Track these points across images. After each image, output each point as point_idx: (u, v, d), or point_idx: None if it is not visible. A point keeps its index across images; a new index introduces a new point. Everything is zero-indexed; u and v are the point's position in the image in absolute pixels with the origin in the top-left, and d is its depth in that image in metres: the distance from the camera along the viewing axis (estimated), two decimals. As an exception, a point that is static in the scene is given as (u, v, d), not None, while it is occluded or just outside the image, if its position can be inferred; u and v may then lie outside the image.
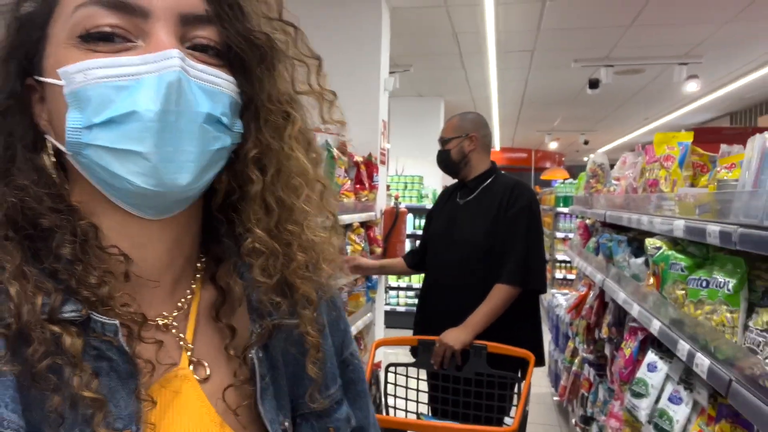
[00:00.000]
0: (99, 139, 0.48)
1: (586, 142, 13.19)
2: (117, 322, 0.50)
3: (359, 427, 0.67)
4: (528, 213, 2.36)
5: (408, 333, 2.59)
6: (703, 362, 1.31)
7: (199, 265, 0.62)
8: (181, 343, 0.57)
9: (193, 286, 0.60)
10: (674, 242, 1.68)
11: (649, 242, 1.76)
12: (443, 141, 2.52)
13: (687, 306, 1.50)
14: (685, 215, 1.50)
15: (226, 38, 0.54)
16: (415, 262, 2.67)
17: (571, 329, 3.83)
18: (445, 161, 2.54)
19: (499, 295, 2.27)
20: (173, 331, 0.57)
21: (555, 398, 4.61)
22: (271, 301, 0.57)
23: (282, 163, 0.57)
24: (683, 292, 1.53)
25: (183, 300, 0.59)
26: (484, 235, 2.35)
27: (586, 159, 18.37)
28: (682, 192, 1.50)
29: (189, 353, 0.57)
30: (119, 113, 0.47)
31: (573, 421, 3.66)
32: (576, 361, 3.68)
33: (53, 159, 0.53)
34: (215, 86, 0.52)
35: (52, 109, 0.52)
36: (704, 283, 1.41)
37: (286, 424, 0.59)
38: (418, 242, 2.81)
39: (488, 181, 2.47)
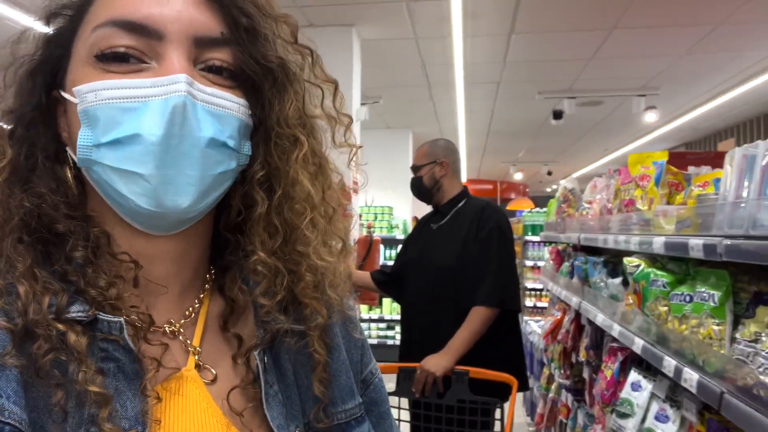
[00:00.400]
0: (105, 158, 0.50)
1: (549, 173, 13.53)
2: (122, 319, 0.51)
3: None
4: (498, 233, 2.37)
5: (383, 364, 2.54)
6: (692, 377, 1.31)
7: (208, 276, 0.63)
8: (189, 348, 0.58)
9: (202, 296, 0.61)
10: (653, 260, 1.70)
11: (628, 261, 1.78)
12: (415, 168, 2.54)
13: (671, 322, 1.50)
14: (665, 232, 1.52)
15: (240, 61, 0.55)
16: (383, 281, 2.64)
17: (546, 355, 3.82)
18: (418, 187, 2.55)
19: (477, 317, 2.25)
20: (180, 337, 0.58)
21: (531, 428, 4.57)
22: (274, 319, 0.58)
23: (288, 186, 0.58)
24: (666, 308, 1.54)
25: (191, 308, 0.59)
26: (455, 258, 2.35)
27: (549, 189, 18.83)
28: (661, 209, 1.53)
29: (196, 357, 0.58)
30: (124, 135, 0.49)
31: (552, 449, 3.62)
32: (552, 387, 3.67)
33: (73, 171, 0.55)
34: (224, 109, 0.53)
35: (71, 124, 0.54)
36: (687, 298, 1.42)
37: None
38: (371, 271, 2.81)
39: (460, 204, 2.49)
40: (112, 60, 0.51)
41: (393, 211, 7.57)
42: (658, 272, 1.60)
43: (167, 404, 0.53)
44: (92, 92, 0.50)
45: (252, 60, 0.55)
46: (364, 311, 6.58)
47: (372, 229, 4.46)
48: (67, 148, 0.55)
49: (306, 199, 0.58)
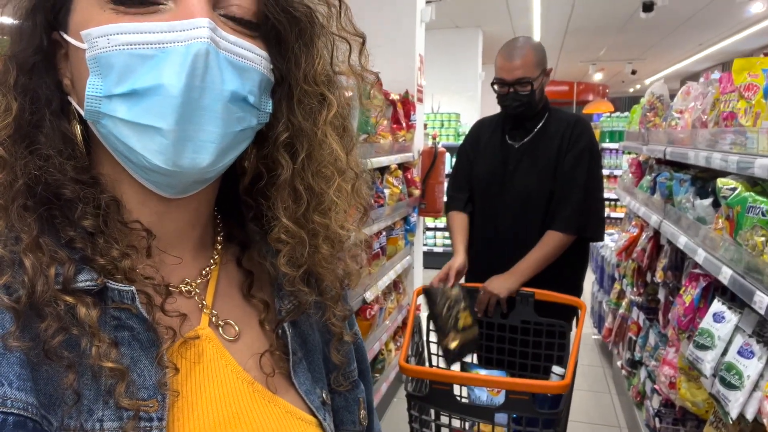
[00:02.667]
0: (118, 110, 0.45)
1: (633, 72, 12.49)
2: (133, 288, 0.48)
3: (368, 401, 0.71)
4: (589, 156, 2.18)
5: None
6: (788, 318, 1.18)
7: (218, 237, 0.60)
8: (203, 308, 0.56)
9: (216, 256, 0.59)
10: (753, 183, 1.50)
11: (722, 182, 1.59)
12: (525, 81, 2.13)
13: (767, 254, 1.34)
14: (771, 152, 1.32)
15: (264, 7, 0.50)
16: (471, 211, 2.42)
17: (618, 271, 3.69)
18: (527, 105, 2.16)
19: (552, 242, 2.13)
20: (195, 297, 0.56)
21: (596, 338, 4.54)
22: (298, 290, 0.57)
23: (314, 149, 0.54)
24: (763, 238, 1.37)
25: (207, 269, 0.57)
26: (545, 182, 2.17)
27: (632, 90, 17.45)
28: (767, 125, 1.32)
29: (212, 317, 0.55)
30: (142, 86, 0.44)
31: (619, 363, 3.59)
32: (623, 303, 3.57)
33: (80, 126, 0.51)
34: (246, 61, 0.48)
35: (75, 71, 0.49)
36: (792, 230, 1.25)
37: (324, 395, 0.61)
38: (450, 183, 2.53)
39: (544, 118, 2.24)
40: (132, 3, 0.45)
41: (460, 117, 7.28)
42: (758, 198, 1.42)
43: (184, 369, 0.51)
44: (104, 37, 0.45)
45: (277, 7, 0.50)
46: (429, 221, 6.57)
47: (437, 140, 4.31)
48: (71, 99, 0.50)
49: (334, 163, 0.55)
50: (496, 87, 2.20)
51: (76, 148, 0.50)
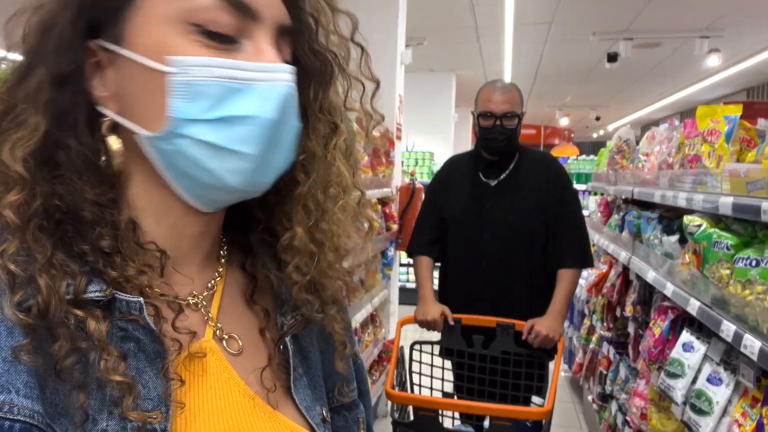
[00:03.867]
0: (203, 134, 0.48)
1: (597, 118, 13.03)
2: (141, 299, 0.49)
3: (368, 423, 0.72)
4: (571, 191, 2.32)
5: (474, 316, 2.32)
6: (753, 344, 1.27)
7: (221, 251, 0.63)
8: (209, 321, 0.57)
9: (220, 269, 0.61)
10: (717, 220, 1.62)
11: (689, 219, 1.71)
12: (513, 115, 2.22)
13: (733, 286, 1.45)
14: (733, 192, 1.45)
15: (297, 52, 0.57)
16: (438, 254, 2.45)
17: (588, 307, 3.80)
18: (511, 139, 2.24)
19: (569, 278, 2.24)
20: (201, 310, 0.57)
21: (566, 374, 4.62)
22: (304, 299, 0.60)
23: (323, 170, 0.60)
24: (728, 271, 1.48)
25: (212, 281, 0.59)
26: (526, 218, 2.26)
27: (595, 135, 18.15)
28: (730, 167, 1.44)
29: (215, 329, 0.57)
30: (234, 114, 0.48)
31: (589, 398, 3.66)
32: (593, 338, 3.66)
33: (117, 143, 0.52)
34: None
35: (133, 86, 0.50)
36: (754, 262, 1.36)
37: (324, 412, 0.62)
38: (417, 224, 2.52)
39: (516, 157, 2.33)
40: (212, 35, 0.49)
41: (434, 156, 7.47)
42: (722, 233, 1.53)
43: (189, 384, 0.52)
44: (200, 67, 0.48)
45: (309, 53, 0.57)
46: (404, 257, 6.63)
47: (415, 177, 4.42)
48: (106, 111, 0.51)
49: (340, 182, 0.60)
50: (480, 121, 2.26)
51: (99, 166, 0.50)
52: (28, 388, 0.42)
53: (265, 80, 0.50)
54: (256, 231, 0.62)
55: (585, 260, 2.29)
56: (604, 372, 3.21)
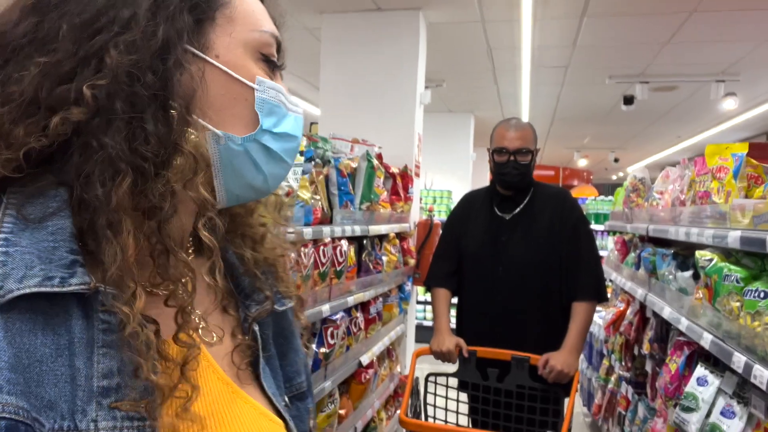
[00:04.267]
0: (269, 142, 0.59)
1: (616, 160, 13.05)
2: (131, 290, 0.49)
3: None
4: (584, 224, 2.36)
5: (494, 349, 2.34)
6: (762, 374, 1.29)
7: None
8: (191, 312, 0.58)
9: (190, 257, 0.62)
10: (727, 254, 1.66)
11: (700, 254, 1.74)
12: (527, 151, 2.30)
13: (743, 318, 1.48)
14: (741, 226, 1.49)
15: None
16: (455, 286, 2.50)
17: (606, 346, 3.77)
18: (525, 175, 2.32)
19: (584, 312, 2.26)
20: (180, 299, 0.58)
21: (587, 418, 4.53)
22: (261, 286, 0.66)
23: None
24: (738, 303, 1.51)
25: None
26: (541, 252, 2.30)
27: (614, 177, 18.13)
28: (738, 203, 1.49)
29: (194, 316, 0.59)
30: (287, 132, 0.60)
31: (608, 440, 3.59)
32: (612, 378, 3.62)
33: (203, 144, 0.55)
34: None
35: (218, 94, 0.56)
36: (762, 294, 1.40)
37: (286, 399, 0.67)
38: (435, 257, 2.61)
39: (530, 192, 2.40)
40: (272, 66, 0.61)
41: (452, 195, 7.56)
42: (732, 267, 1.57)
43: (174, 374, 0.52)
44: (274, 90, 0.59)
45: None
46: (421, 293, 6.64)
47: (432, 213, 4.49)
48: (199, 118, 0.54)
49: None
50: (495, 156, 2.34)
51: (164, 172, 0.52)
52: (11, 385, 0.42)
53: (293, 107, 0.62)
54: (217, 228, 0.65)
55: (599, 293, 2.30)
56: (623, 412, 3.17)
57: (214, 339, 0.61)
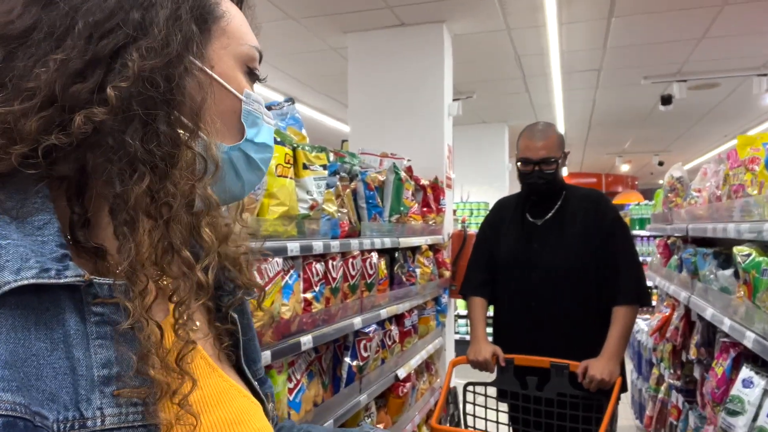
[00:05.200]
0: (251, 150, 0.62)
1: (660, 163, 12.62)
2: (125, 282, 0.50)
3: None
4: (621, 225, 2.28)
5: (531, 357, 2.31)
6: (807, 370, 1.23)
7: None
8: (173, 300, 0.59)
9: None
10: (765, 248, 1.59)
11: (738, 249, 1.68)
12: (550, 161, 2.24)
13: (785, 313, 1.41)
14: (776, 217, 1.43)
15: None
16: (491, 294, 2.46)
17: (655, 355, 3.64)
18: (552, 182, 2.27)
19: (624, 316, 2.18)
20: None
21: (639, 431, 4.35)
22: (231, 278, 0.68)
23: None
24: (779, 298, 1.44)
25: None
26: (573, 257, 2.24)
27: (661, 182, 17.54)
28: (771, 193, 1.43)
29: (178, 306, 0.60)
30: (264, 142, 0.64)
31: (662, 452, 3.44)
32: (662, 388, 3.49)
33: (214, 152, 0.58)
34: None
35: (212, 104, 0.57)
36: (803, 287, 1.33)
37: (255, 383, 0.70)
38: (469, 264, 2.60)
39: (562, 196, 2.35)
40: (254, 79, 0.64)
41: (488, 206, 7.49)
42: (771, 261, 1.50)
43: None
44: (257, 103, 0.63)
45: None
46: (461, 307, 6.57)
47: (466, 224, 4.47)
48: (197, 125, 0.55)
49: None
50: (519, 165, 2.32)
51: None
52: (5, 382, 0.42)
53: (271, 123, 0.66)
54: None
55: (640, 297, 2.21)
56: (675, 422, 3.04)
57: (197, 325, 0.60)
